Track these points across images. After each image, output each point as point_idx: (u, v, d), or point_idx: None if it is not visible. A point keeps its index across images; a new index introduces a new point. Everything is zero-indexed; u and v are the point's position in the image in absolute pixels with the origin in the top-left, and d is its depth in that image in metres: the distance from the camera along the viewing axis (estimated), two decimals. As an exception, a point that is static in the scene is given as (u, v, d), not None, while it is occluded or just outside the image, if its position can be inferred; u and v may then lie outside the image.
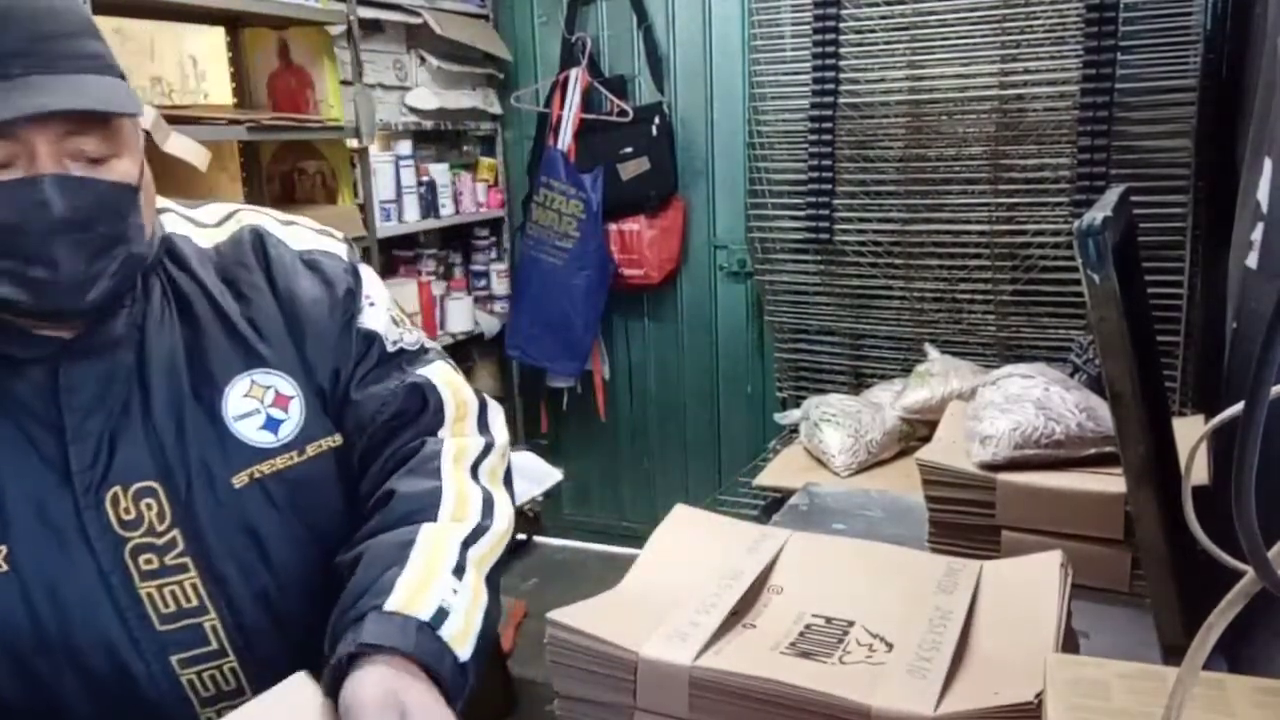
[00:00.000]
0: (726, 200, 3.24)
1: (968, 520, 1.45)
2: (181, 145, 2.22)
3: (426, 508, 0.92)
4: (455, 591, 0.86)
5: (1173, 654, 1.06)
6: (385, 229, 3.01)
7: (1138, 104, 2.34)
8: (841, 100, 2.66)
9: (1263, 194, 1.25)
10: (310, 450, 0.95)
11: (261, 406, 0.93)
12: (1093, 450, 1.44)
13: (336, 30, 2.74)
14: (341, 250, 1.04)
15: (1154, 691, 0.73)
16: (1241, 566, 0.58)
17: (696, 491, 3.21)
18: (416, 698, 0.78)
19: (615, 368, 3.56)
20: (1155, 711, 0.63)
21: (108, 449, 0.87)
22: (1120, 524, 1.34)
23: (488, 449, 1.02)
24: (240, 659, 0.92)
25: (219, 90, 2.94)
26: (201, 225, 1.01)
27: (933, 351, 2.38)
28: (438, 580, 0.86)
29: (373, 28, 3.00)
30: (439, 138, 3.45)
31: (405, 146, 3.14)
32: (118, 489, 0.87)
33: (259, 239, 1.00)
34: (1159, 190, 2.31)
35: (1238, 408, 0.52)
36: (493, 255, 3.59)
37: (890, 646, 0.96)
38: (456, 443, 1.00)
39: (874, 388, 2.56)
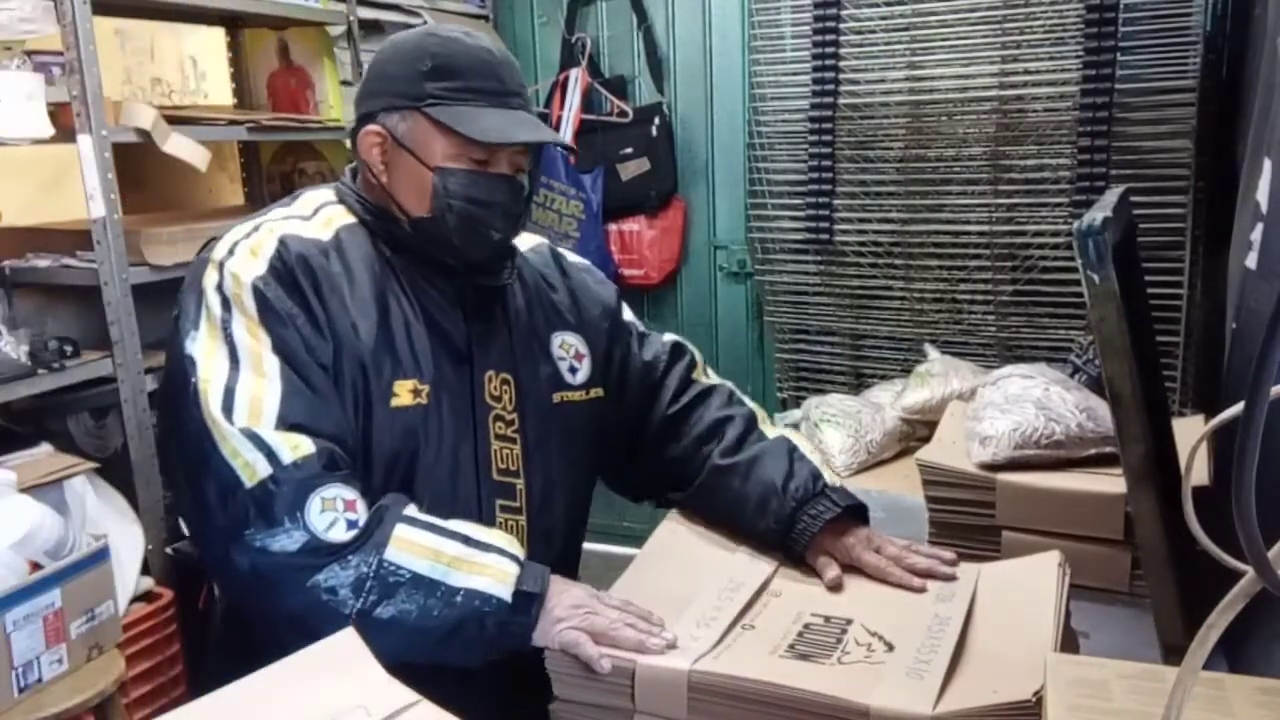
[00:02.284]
0: (726, 200, 3.23)
1: (968, 520, 1.45)
2: (181, 145, 2.22)
3: (755, 418, 1.38)
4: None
5: (1173, 654, 1.06)
6: (385, 229, 3.00)
7: (1138, 104, 2.34)
8: (841, 101, 2.66)
9: (1262, 194, 1.25)
10: (591, 393, 1.33)
11: (567, 356, 1.32)
12: (1093, 450, 1.44)
13: (336, 30, 2.74)
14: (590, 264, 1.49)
15: (1154, 691, 0.73)
16: (1241, 566, 0.58)
17: (696, 492, 3.20)
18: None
19: (615, 368, 3.56)
20: (1155, 711, 0.63)
21: (485, 344, 1.23)
22: (1120, 524, 1.34)
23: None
24: (529, 523, 1.24)
25: (219, 91, 2.94)
26: None
27: (933, 352, 2.37)
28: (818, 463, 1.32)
29: (373, 28, 2.99)
30: (439, 138, 3.44)
31: (405, 147, 3.13)
32: (490, 372, 1.23)
33: (549, 248, 1.42)
34: (1159, 190, 2.31)
35: (1238, 408, 0.52)
36: (493, 255, 3.58)
37: (890, 646, 0.96)
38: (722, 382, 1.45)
39: (874, 388, 2.56)
